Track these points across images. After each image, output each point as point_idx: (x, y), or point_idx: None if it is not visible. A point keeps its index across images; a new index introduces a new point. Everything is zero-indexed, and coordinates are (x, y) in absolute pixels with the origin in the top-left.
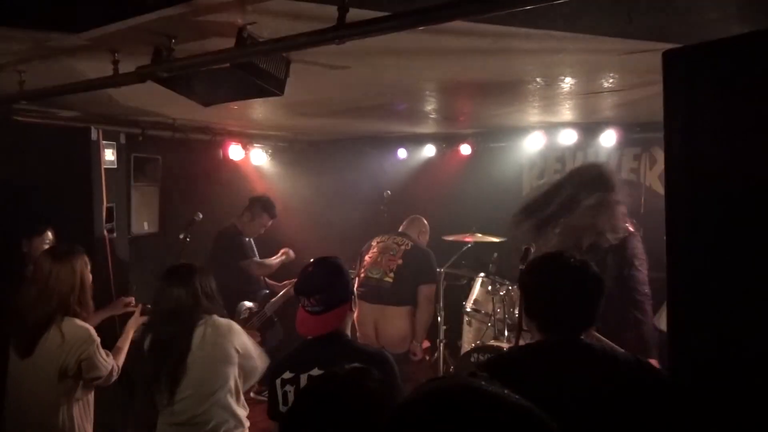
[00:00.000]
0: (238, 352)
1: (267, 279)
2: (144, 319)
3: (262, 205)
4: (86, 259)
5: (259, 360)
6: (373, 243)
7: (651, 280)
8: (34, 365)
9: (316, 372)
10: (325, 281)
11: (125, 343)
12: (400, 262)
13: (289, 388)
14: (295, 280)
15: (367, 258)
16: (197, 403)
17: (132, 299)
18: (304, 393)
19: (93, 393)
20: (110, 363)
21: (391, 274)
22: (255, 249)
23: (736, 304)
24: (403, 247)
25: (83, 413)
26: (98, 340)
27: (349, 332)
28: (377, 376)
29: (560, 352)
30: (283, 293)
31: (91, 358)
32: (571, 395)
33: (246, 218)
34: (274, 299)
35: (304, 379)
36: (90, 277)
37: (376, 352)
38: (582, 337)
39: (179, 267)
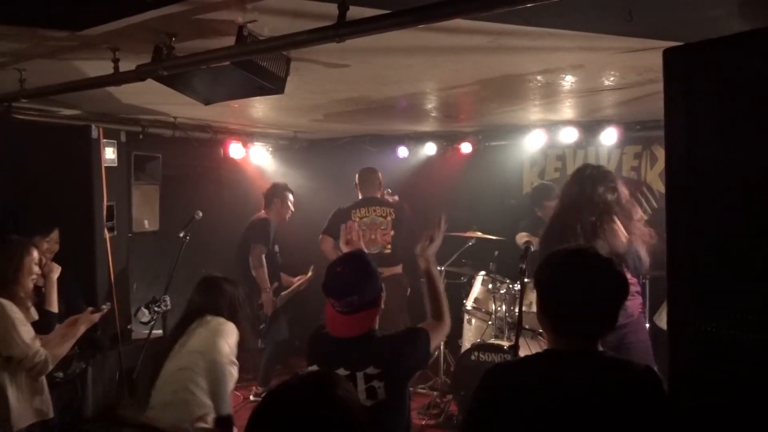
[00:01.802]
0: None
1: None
2: (96, 317)
3: (281, 188)
4: (29, 249)
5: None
6: (355, 219)
7: (652, 279)
8: None
9: (342, 372)
10: (355, 282)
11: (69, 336)
12: (392, 233)
13: None
14: (304, 278)
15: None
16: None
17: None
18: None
19: (41, 380)
20: (33, 347)
21: (389, 246)
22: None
23: (738, 303)
24: (389, 219)
25: (22, 396)
26: (16, 317)
27: (377, 325)
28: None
29: (572, 364)
30: (293, 288)
31: (4, 336)
32: (580, 409)
33: (276, 205)
34: (284, 292)
35: (359, 377)
36: (32, 268)
37: (406, 331)
38: (598, 344)
39: (207, 277)
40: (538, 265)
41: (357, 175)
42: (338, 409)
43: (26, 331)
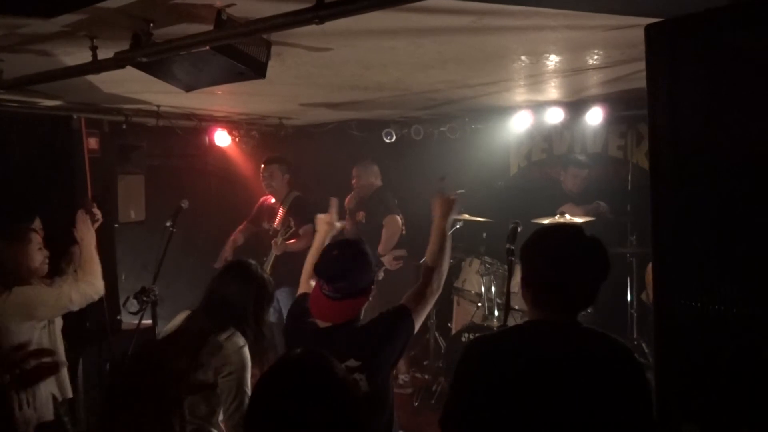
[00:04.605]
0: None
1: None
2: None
3: None
4: (31, 236)
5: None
6: None
7: (639, 256)
8: None
9: (353, 363)
10: (349, 268)
11: (92, 261)
12: None
13: None
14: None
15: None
16: None
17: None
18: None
19: None
20: (57, 289)
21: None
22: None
23: (722, 279)
24: None
25: None
26: (37, 292)
27: (362, 315)
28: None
29: (550, 334)
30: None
31: (40, 312)
32: (558, 377)
33: None
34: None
35: None
36: (27, 255)
37: (385, 317)
38: (576, 317)
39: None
40: (525, 240)
41: (364, 168)
42: (338, 378)
43: (47, 292)
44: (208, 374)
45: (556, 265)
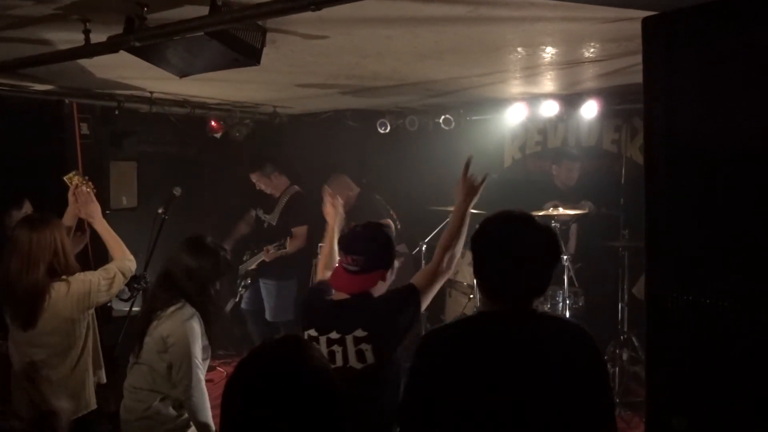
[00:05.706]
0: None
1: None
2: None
3: None
4: (61, 223)
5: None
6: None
7: (632, 249)
8: (40, 333)
9: (333, 335)
10: (367, 244)
11: (112, 235)
12: None
13: (337, 348)
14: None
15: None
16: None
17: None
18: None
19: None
20: (111, 274)
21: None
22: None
23: (715, 272)
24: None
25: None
26: (95, 278)
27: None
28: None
29: (505, 322)
30: (256, 257)
31: (99, 298)
32: (516, 363)
33: None
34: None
35: (349, 340)
36: (68, 240)
37: (396, 293)
38: (532, 304)
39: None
40: (475, 230)
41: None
42: (313, 367)
43: (99, 274)
44: (159, 345)
45: (506, 254)
